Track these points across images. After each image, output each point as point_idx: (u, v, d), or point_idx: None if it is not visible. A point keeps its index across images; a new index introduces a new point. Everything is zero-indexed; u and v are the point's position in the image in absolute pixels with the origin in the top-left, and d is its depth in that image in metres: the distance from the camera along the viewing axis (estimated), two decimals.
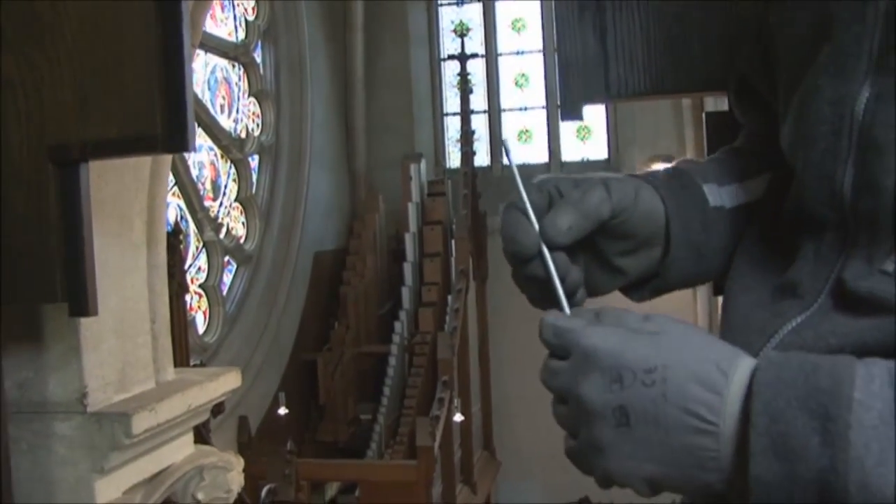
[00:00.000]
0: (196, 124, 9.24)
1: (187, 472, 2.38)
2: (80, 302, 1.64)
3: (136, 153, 1.84)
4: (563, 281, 0.97)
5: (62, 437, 2.08)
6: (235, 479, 2.47)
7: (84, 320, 2.02)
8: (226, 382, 2.49)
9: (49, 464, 2.08)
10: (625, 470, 0.84)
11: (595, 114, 13.33)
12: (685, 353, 0.82)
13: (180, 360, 5.64)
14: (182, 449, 2.41)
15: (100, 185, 2.06)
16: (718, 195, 1.12)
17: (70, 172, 1.54)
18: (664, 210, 1.06)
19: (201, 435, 4.46)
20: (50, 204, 1.53)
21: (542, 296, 0.99)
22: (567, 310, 0.95)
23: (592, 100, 1.29)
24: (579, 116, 1.33)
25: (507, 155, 1.04)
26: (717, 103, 5.15)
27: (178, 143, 1.46)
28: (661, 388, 0.81)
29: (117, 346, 2.19)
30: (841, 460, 0.72)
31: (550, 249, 0.96)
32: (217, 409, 7.35)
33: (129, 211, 2.24)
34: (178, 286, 6.66)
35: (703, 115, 1.31)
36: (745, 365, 0.81)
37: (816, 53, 0.96)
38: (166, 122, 1.43)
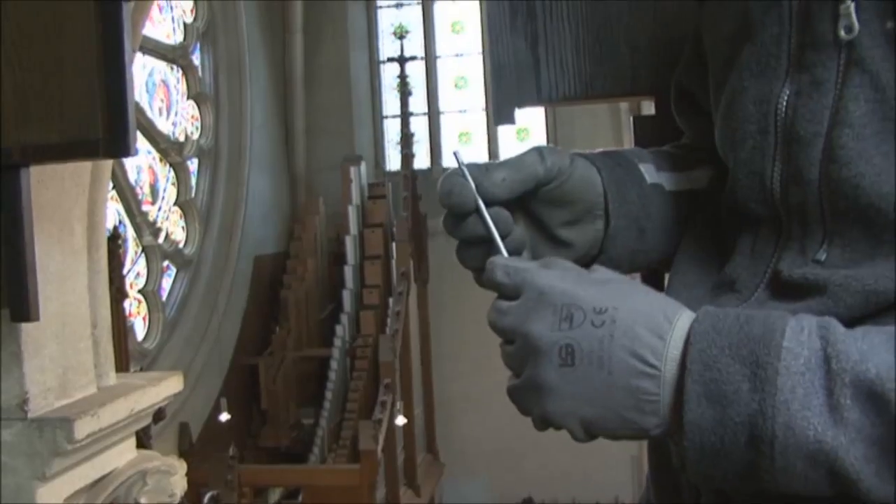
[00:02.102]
0: None
1: (130, 476, 2.38)
2: (22, 307, 1.65)
3: (78, 158, 1.83)
4: (504, 238, 0.97)
5: (3, 444, 2.07)
6: (178, 483, 2.47)
7: (25, 326, 2.01)
8: (168, 386, 2.49)
9: None
10: (563, 411, 0.85)
11: (534, 116, 13.45)
12: (634, 298, 0.86)
13: (120, 366, 5.56)
14: (125, 454, 2.40)
15: (40, 189, 2.05)
16: (656, 175, 1.13)
17: (10, 176, 1.54)
18: (601, 180, 1.07)
19: (143, 443, 4.43)
20: None
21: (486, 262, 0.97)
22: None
23: (524, 104, 1.33)
24: (512, 121, 1.36)
25: (458, 158, 1.02)
26: (652, 106, 5.24)
27: (120, 148, 1.47)
28: (610, 328, 0.83)
29: (58, 351, 2.18)
30: (769, 405, 0.76)
31: (488, 204, 0.96)
32: (158, 415, 7.29)
33: (69, 216, 2.23)
34: (116, 291, 6.59)
35: (631, 119, 1.36)
36: (687, 314, 0.85)
37: (740, 54, 1.00)
38: (108, 128, 1.44)
